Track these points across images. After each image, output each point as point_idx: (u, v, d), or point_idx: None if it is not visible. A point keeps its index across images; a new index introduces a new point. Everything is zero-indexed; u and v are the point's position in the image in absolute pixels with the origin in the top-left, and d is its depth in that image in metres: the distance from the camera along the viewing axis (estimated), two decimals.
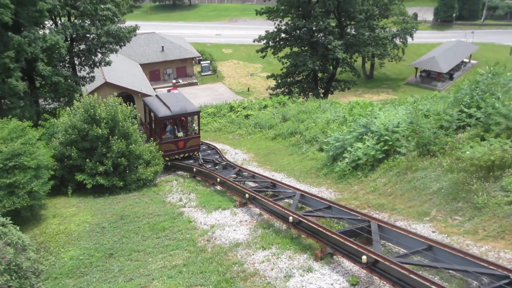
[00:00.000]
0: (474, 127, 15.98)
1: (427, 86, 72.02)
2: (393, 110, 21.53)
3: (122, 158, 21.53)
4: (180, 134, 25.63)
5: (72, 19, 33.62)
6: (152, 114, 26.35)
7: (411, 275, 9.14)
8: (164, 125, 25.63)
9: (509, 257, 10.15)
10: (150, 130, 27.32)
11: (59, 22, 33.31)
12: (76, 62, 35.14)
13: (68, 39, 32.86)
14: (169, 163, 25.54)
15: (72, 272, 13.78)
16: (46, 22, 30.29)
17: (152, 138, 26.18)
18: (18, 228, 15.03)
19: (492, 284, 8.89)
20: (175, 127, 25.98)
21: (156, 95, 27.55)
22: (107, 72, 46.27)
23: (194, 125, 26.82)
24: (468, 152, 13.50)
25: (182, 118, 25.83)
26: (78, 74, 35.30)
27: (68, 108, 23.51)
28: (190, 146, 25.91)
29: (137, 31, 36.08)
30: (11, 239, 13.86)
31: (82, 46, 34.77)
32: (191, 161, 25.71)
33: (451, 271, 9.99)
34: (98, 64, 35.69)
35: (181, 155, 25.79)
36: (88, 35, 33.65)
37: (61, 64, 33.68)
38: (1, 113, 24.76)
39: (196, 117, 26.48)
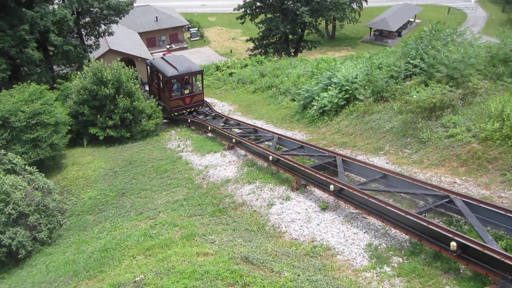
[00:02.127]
0: (419, 75, 15.91)
1: (380, 43, 71.29)
2: (352, 64, 21.29)
3: (128, 113, 21.15)
4: (187, 91, 24.24)
5: None
6: (160, 74, 24.65)
7: (370, 199, 9.24)
8: (172, 84, 24.23)
9: (449, 180, 10.30)
10: (159, 89, 25.55)
11: None
12: (83, 32, 33.90)
13: (75, 12, 31.58)
14: (173, 115, 24.22)
15: (92, 209, 13.74)
16: None
17: (160, 96, 25.10)
18: (43, 175, 14.89)
19: (435, 203, 9.05)
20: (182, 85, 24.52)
21: (161, 57, 25.74)
22: (110, 40, 44.84)
23: (198, 83, 25.48)
24: (414, 96, 13.48)
25: (188, 77, 24.34)
26: (86, 43, 34.14)
27: (79, 72, 22.87)
28: (196, 102, 24.59)
29: (134, 4, 34.82)
30: (38, 184, 13.72)
31: (87, 19, 33.52)
32: (201, 116, 23.85)
33: (402, 194, 10.14)
34: (102, 34, 34.51)
35: (188, 110, 24.55)
36: (91, 9, 32.41)
37: (70, 35, 32.46)
38: (21, 79, 24.06)
39: (199, 75, 25.03)
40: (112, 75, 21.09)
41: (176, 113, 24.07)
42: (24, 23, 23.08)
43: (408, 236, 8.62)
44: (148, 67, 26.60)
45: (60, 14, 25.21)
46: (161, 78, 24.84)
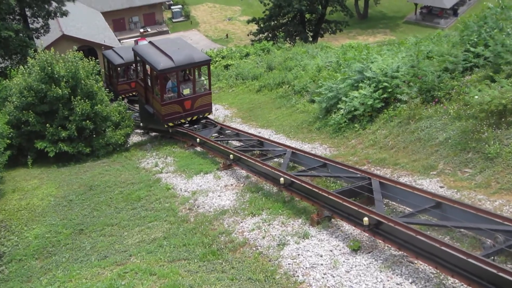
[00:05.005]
0: (482, 68, 15.91)
1: (429, 24, 71.65)
2: (392, 52, 21.34)
3: (87, 121, 21.27)
4: (187, 91, 22.60)
5: None
6: (147, 66, 23.09)
7: (418, 236, 9.17)
8: (165, 80, 22.47)
9: None
10: (146, 88, 23.98)
11: None
12: (28, 13, 34.29)
13: None
14: (170, 130, 22.71)
15: (38, 253, 13.71)
16: None
17: (147, 99, 24.00)
18: None
19: (508, 242, 8.97)
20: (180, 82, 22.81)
21: (151, 42, 24.28)
22: (64, 23, 45.31)
23: (203, 78, 23.92)
24: (476, 97, 13.45)
25: (188, 69, 22.67)
26: (31, 26, 34.50)
27: (21, 66, 22.97)
28: (200, 106, 22.73)
29: None
30: None
31: None
32: (204, 128, 22.53)
33: (462, 230, 10.07)
34: (53, 15, 34.88)
35: (189, 118, 22.69)
36: None
37: (10, 17, 32.83)
38: None
39: (205, 67, 23.29)
40: (66, 70, 21.24)
41: (170, 124, 22.38)
42: None
43: None
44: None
45: None
46: (148, 72, 23.42)
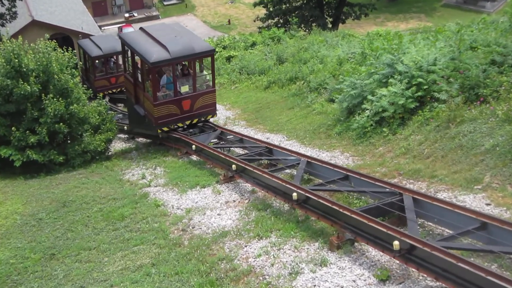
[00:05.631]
0: None
1: (472, 7, 71.67)
2: (428, 42, 21.33)
3: (61, 124, 21.33)
4: (185, 88, 22.25)
5: None
6: (137, 59, 22.94)
7: (459, 264, 9.14)
8: (158, 76, 22.28)
9: None
10: (135, 85, 23.77)
11: None
12: None
13: None
14: (160, 131, 22.40)
15: (1, 282, 13.73)
16: None
17: (137, 98, 23.80)
18: None
19: None
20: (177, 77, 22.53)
21: (142, 28, 24.08)
22: (34, 7, 45.62)
23: (205, 73, 23.77)
24: None
25: (187, 62, 22.57)
26: None
27: None
28: (202, 107, 22.53)
29: None
30: None
31: None
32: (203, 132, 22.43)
33: None
34: None
35: (188, 122, 22.50)
36: None
37: None
38: None
39: (208, 59, 23.49)
40: (37, 62, 21.31)
41: (165, 128, 22.27)
42: None
43: None
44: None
45: None
46: (138, 66, 23.25)
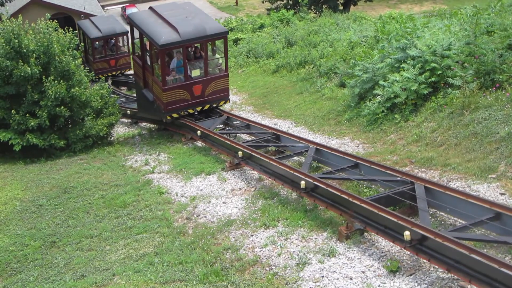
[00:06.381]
0: None
1: None
2: (442, 25, 21.24)
3: (62, 107, 21.37)
4: (196, 72, 21.74)
5: None
6: (146, 40, 22.68)
7: (472, 255, 9.15)
8: (168, 58, 21.92)
9: None
10: (144, 68, 23.42)
11: None
12: None
13: None
14: (169, 118, 22.01)
15: (1, 269, 13.82)
16: None
17: (146, 82, 23.40)
18: None
19: None
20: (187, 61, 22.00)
21: (151, 8, 23.43)
22: None
23: (218, 56, 23.25)
24: None
25: (198, 44, 22.10)
26: None
27: None
28: (214, 93, 22.15)
29: None
30: None
31: None
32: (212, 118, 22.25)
33: None
34: None
35: (199, 108, 22.12)
36: None
37: None
38: None
39: (222, 41, 22.78)
40: (37, 43, 21.31)
41: (174, 115, 21.94)
42: None
43: None
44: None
45: None
46: (147, 48, 22.92)
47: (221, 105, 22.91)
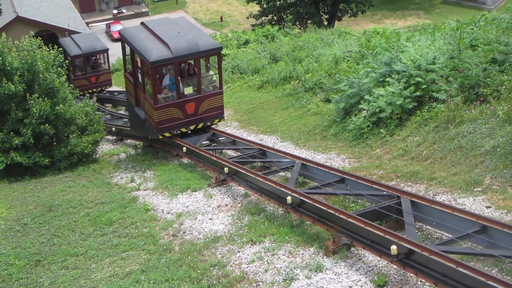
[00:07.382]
0: None
1: (472, 4, 71.91)
2: (426, 40, 21.39)
3: (46, 125, 21.30)
4: (189, 89, 21.30)
5: None
6: (137, 57, 21.86)
7: (459, 268, 9.17)
8: (159, 76, 21.32)
9: None
10: (135, 86, 22.86)
11: None
12: None
13: None
14: (160, 137, 21.53)
15: None
16: None
17: (137, 100, 22.88)
18: None
19: None
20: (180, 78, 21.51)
21: (143, 23, 22.93)
22: (18, 2, 45.65)
23: (212, 73, 22.82)
24: None
25: (191, 61, 21.64)
26: None
27: None
28: (207, 111, 21.57)
29: None
30: None
31: None
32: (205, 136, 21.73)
33: None
34: None
35: (192, 127, 21.59)
36: None
37: None
38: None
39: (215, 58, 22.21)
40: (21, 61, 21.27)
41: (167, 134, 21.39)
42: None
43: None
44: (122, 43, 24.68)
45: None
46: (139, 65, 22.18)
47: (215, 124, 22.50)
